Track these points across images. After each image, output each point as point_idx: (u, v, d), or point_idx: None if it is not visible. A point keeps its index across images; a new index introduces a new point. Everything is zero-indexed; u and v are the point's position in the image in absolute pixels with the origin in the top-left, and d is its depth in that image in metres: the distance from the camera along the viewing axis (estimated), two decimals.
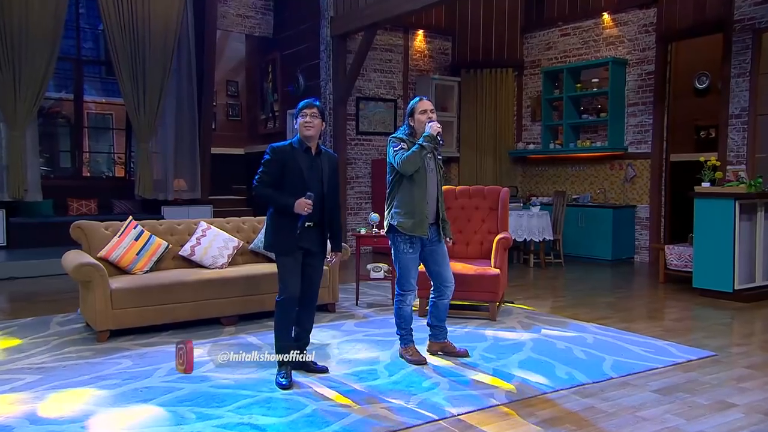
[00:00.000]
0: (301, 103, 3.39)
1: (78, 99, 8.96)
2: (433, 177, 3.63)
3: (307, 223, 3.31)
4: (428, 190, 3.60)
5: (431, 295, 3.83)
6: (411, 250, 3.61)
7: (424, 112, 3.58)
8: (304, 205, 3.25)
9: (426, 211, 3.59)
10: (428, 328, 3.89)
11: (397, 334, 3.78)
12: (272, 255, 4.77)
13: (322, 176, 3.39)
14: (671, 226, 8.05)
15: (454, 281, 3.79)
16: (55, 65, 7.84)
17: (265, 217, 5.19)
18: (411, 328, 3.75)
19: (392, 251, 3.69)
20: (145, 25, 8.18)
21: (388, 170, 3.67)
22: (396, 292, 3.72)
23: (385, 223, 3.67)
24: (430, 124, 3.54)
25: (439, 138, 3.52)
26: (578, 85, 8.72)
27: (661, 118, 8.01)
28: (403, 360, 3.70)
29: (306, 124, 3.32)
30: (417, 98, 3.66)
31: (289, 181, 3.31)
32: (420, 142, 3.49)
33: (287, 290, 3.33)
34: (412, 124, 3.62)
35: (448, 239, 3.76)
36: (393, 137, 3.63)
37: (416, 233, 3.56)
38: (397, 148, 3.54)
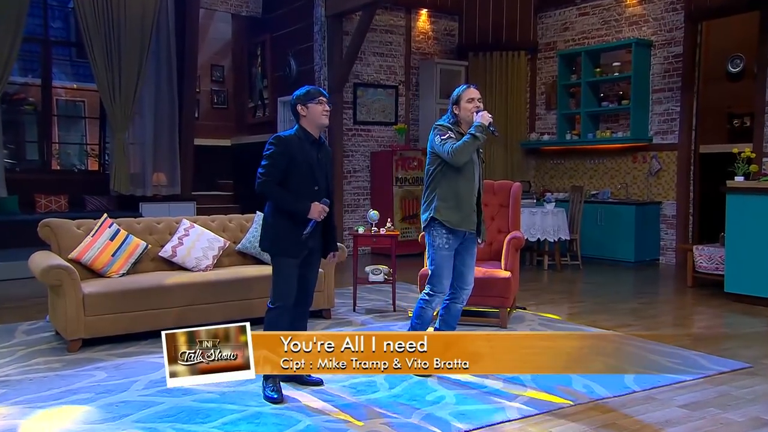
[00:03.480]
0: (312, 88, 3.37)
1: (46, 84, 8.94)
2: (477, 170, 3.69)
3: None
4: (474, 183, 3.65)
5: (445, 297, 3.84)
6: (447, 246, 3.64)
7: (471, 100, 3.62)
8: (321, 211, 3.26)
9: (473, 204, 3.65)
10: None
11: None
12: (263, 256, 4.79)
13: (325, 170, 3.41)
14: (700, 224, 8.05)
15: (473, 286, 3.82)
16: (20, 47, 7.82)
17: (254, 215, 5.27)
18: None
19: (428, 247, 3.72)
20: (120, 3, 8.16)
21: (428, 160, 3.71)
22: (425, 291, 3.72)
23: (425, 216, 3.68)
24: (481, 113, 3.58)
25: (491, 128, 3.57)
26: (598, 69, 8.72)
27: (689, 105, 8.00)
28: None
29: (326, 112, 3.32)
30: (464, 86, 3.72)
31: (298, 175, 3.29)
32: (472, 132, 3.53)
33: (283, 297, 3.32)
34: (457, 112, 3.67)
35: (480, 240, 3.80)
36: (438, 125, 3.68)
37: (463, 227, 3.62)
38: (444, 137, 3.58)
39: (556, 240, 7.58)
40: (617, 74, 8.50)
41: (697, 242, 7.57)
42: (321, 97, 3.32)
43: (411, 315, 3.88)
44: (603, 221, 8.31)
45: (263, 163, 3.29)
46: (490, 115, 3.58)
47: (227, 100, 10.89)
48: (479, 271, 4.79)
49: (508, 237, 4.96)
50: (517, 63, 9.62)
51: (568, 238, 7.71)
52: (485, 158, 9.28)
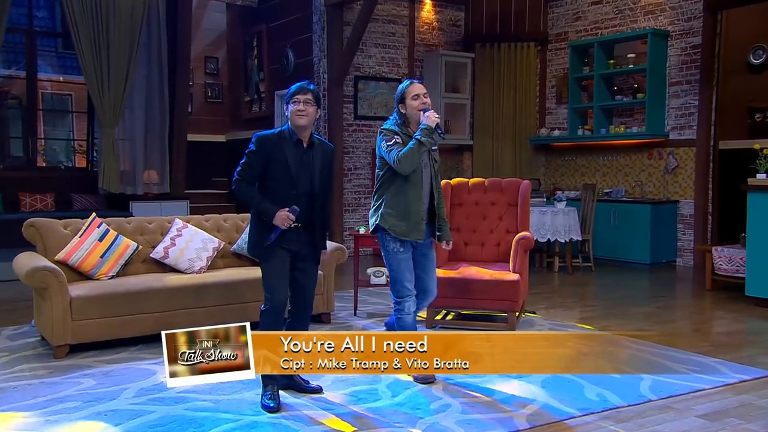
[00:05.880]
0: (293, 87, 3.40)
1: (31, 77, 8.96)
2: (428, 172, 3.71)
3: (294, 224, 3.32)
4: (423, 188, 3.67)
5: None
6: (402, 249, 3.68)
7: (417, 97, 3.62)
8: (285, 219, 3.27)
9: (422, 212, 3.67)
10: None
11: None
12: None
13: (313, 172, 3.40)
14: (720, 224, 8.04)
15: (436, 294, 3.87)
16: (3, 37, 7.83)
17: (249, 215, 5.26)
18: None
19: (383, 253, 3.78)
20: None
21: (377, 163, 3.75)
22: (393, 301, 3.77)
23: (371, 222, 3.75)
24: (426, 114, 3.57)
25: (438, 130, 3.56)
26: (611, 61, 8.71)
27: (708, 99, 7.99)
28: (407, 378, 3.70)
29: (299, 112, 3.32)
30: (407, 81, 3.73)
31: (275, 177, 3.33)
32: (417, 137, 3.53)
33: (273, 297, 3.35)
34: (403, 111, 3.68)
35: (445, 243, 3.86)
36: (384, 129, 3.70)
37: (410, 238, 3.65)
38: (390, 143, 3.60)
39: (568, 241, 7.57)
40: (632, 66, 8.48)
41: (716, 243, 7.55)
42: (298, 96, 3.33)
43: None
44: (617, 221, 8.30)
45: (241, 161, 3.37)
46: (437, 116, 3.58)
47: (222, 94, 10.88)
48: (486, 273, 4.80)
49: (517, 238, 4.95)
50: (526, 55, 9.60)
51: (580, 238, 7.70)
52: (499, 156, 9.48)
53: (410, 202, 3.63)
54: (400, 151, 3.53)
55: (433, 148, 3.72)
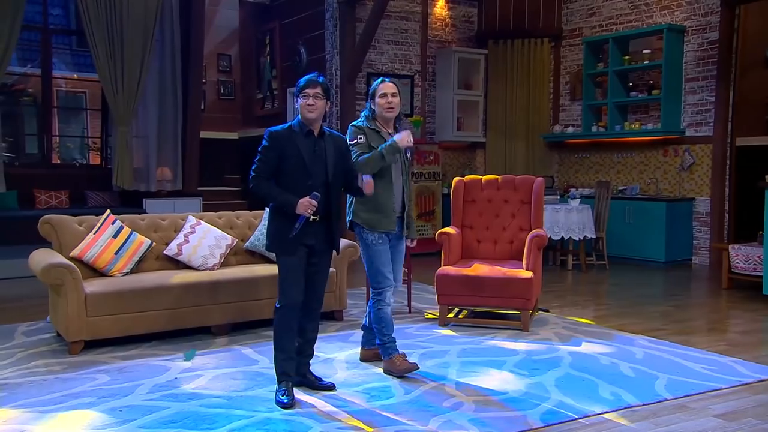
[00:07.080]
0: (302, 81, 3.42)
1: (46, 74, 9.02)
2: (398, 167, 3.83)
3: (312, 218, 3.33)
4: (394, 182, 3.80)
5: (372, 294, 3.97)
6: (381, 241, 3.80)
7: (384, 95, 3.76)
8: (308, 206, 3.28)
9: (392, 204, 3.79)
10: (362, 331, 4.06)
11: (377, 343, 3.86)
12: (271, 254, 4.83)
13: (326, 162, 3.41)
14: (736, 222, 7.97)
15: (399, 284, 3.98)
16: (19, 35, 7.89)
17: (262, 212, 5.30)
18: (394, 337, 3.84)
19: (360, 248, 3.89)
20: None
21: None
22: (372, 294, 3.84)
23: (348, 218, 3.85)
24: (401, 134, 3.69)
25: (407, 151, 3.74)
26: (626, 57, 8.65)
27: (725, 95, 7.92)
28: (390, 375, 3.74)
29: (308, 106, 3.35)
30: (379, 79, 3.87)
31: (290, 170, 3.36)
32: (383, 151, 3.66)
33: (288, 296, 3.37)
34: (373, 107, 3.82)
35: (410, 240, 4.00)
36: (354, 125, 3.83)
37: (382, 229, 3.76)
38: (353, 142, 3.73)
39: (581, 238, 7.53)
40: (647, 62, 8.43)
41: (732, 241, 7.49)
42: (307, 90, 3.36)
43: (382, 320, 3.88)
44: (631, 219, 8.26)
45: (255, 159, 3.39)
46: (410, 140, 3.70)
47: (234, 91, 10.92)
48: (499, 271, 4.80)
49: (530, 235, 4.94)
50: (540, 51, 9.56)
51: (594, 236, 7.66)
52: (512, 153, 9.46)
53: (380, 198, 3.74)
54: (361, 155, 3.66)
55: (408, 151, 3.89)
